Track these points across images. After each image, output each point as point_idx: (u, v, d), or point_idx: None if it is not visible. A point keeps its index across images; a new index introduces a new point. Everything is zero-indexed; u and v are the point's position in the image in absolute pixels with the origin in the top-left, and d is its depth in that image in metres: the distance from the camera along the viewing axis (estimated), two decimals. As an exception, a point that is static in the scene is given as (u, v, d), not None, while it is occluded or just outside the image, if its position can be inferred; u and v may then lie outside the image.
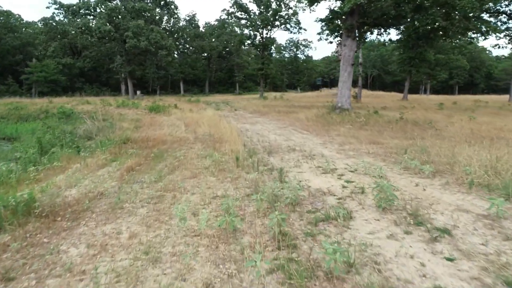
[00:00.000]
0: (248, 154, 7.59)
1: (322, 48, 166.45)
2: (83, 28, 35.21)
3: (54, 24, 56.37)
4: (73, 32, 39.48)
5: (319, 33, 34.35)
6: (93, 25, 34.85)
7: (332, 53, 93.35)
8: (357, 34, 17.55)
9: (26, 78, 52.58)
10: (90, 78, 62.53)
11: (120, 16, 35.95)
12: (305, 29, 45.65)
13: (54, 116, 18.82)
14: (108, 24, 35.92)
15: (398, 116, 16.71)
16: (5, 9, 60.71)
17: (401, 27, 31.39)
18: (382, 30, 33.17)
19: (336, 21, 18.70)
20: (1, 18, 59.49)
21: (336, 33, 21.04)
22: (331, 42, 25.02)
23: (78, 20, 36.58)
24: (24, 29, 62.11)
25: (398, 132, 11.08)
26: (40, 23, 58.49)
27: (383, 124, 13.64)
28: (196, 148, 8.65)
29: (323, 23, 20.83)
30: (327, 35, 34.15)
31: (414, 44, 38.83)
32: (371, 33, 22.00)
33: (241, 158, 6.83)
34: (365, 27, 19.01)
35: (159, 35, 35.53)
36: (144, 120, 16.48)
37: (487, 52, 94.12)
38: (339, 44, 17.89)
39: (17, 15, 63.52)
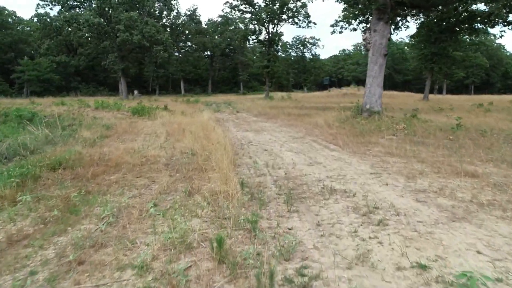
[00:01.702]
0: (248, 205, 3.93)
1: (329, 45, 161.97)
2: (70, 21, 31.75)
3: (48, 20, 53.21)
4: (66, 28, 35.99)
5: (332, 25, 30.65)
6: (82, 18, 31.36)
7: (340, 48, 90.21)
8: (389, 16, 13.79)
9: (18, 77, 49.39)
10: (86, 77, 59.26)
11: (111, 8, 32.41)
12: (314, 23, 41.99)
13: (15, 119, 15.27)
14: (99, 16, 32.46)
15: (445, 120, 12.97)
16: (-2, 5, 57.67)
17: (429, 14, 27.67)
18: (401, 23, 29.39)
19: (363, 2, 14.94)
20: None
21: (361, 17, 17.28)
22: (355, 29, 21.29)
23: (66, 13, 33.16)
24: (17, 25, 58.86)
25: (479, 148, 7.31)
26: (35, 18, 55.38)
27: (436, 133, 9.89)
28: (159, 186, 4.98)
29: (346, 5, 17.06)
30: (342, 27, 30.38)
31: (436, 38, 34.98)
32: (405, 17, 18.18)
33: (231, 227, 3.17)
34: (398, 10, 15.22)
35: (154, 28, 31.95)
36: (120, 126, 12.86)
37: (503, 49, 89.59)
38: (366, 30, 14.12)
39: (12, 11, 60.47)
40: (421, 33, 35.73)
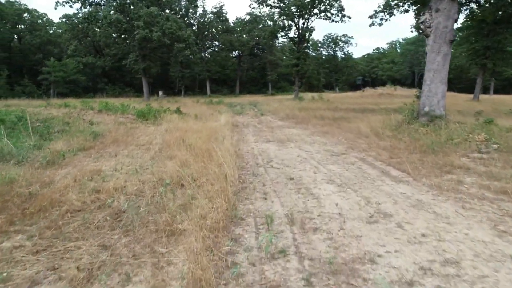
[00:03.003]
0: None
1: (362, 43, 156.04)
2: (89, 18, 30.25)
3: (76, 21, 52.88)
4: (86, 26, 34.68)
5: (371, 16, 27.30)
6: (100, 14, 29.74)
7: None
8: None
9: (44, 78, 49.12)
10: (113, 78, 58.64)
11: (132, 4, 30.62)
12: (349, 17, 38.30)
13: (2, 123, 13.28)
14: (119, 13, 30.79)
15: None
16: (30, 8, 58.19)
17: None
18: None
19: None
20: (25, 16, 57.01)
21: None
22: (406, 11, 17.90)
23: (85, 10, 31.83)
24: (47, 26, 59.17)
25: None
26: (62, 20, 55.31)
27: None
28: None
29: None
30: (382, 19, 26.95)
31: (490, 30, 30.62)
32: None
33: None
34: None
35: (175, 24, 29.81)
36: (113, 133, 10.44)
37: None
38: (426, 11, 10.88)
39: (43, 13, 60.94)
40: (471, 25, 31.53)
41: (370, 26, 25.55)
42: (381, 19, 26.79)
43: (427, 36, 10.80)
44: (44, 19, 59.86)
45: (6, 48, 52.80)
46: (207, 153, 6.42)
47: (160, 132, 10.81)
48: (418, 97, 25.44)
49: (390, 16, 26.46)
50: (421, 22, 10.90)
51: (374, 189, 4.53)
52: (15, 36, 56.32)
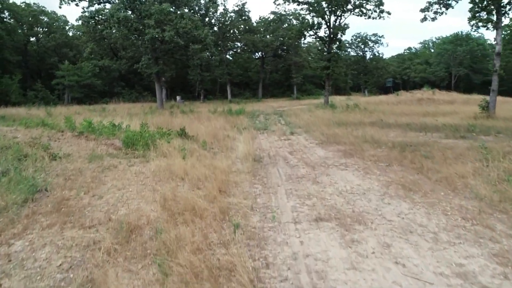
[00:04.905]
0: None
1: (393, 42, 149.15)
2: (95, 16, 27.11)
3: (94, 22, 50.58)
4: (93, 25, 31.65)
5: (423, 10, 22.77)
6: (107, 12, 26.50)
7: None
8: None
9: (58, 82, 46.82)
10: (130, 82, 56.08)
11: (143, 1, 27.23)
12: (388, 13, 33.54)
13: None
14: (129, 11, 27.54)
15: None
16: (49, 10, 56.30)
17: None
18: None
19: None
20: (43, 18, 55.21)
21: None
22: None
23: (92, 8, 28.72)
24: (62, 28, 57.16)
25: None
26: (78, 21, 53.12)
27: None
28: None
29: None
30: (436, 12, 22.44)
31: None
32: None
33: None
34: None
35: (190, 23, 26.16)
36: (66, 185, 6.63)
37: None
38: None
39: (61, 16, 59.07)
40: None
41: (422, 21, 21.13)
42: (435, 12, 22.25)
43: None
44: (61, 21, 57.85)
45: (21, 51, 51.04)
46: None
47: (142, 180, 6.91)
48: (484, 108, 20.56)
49: (447, 9, 21.90)
50: None
51: None
52: (32, 39, 54.60)
